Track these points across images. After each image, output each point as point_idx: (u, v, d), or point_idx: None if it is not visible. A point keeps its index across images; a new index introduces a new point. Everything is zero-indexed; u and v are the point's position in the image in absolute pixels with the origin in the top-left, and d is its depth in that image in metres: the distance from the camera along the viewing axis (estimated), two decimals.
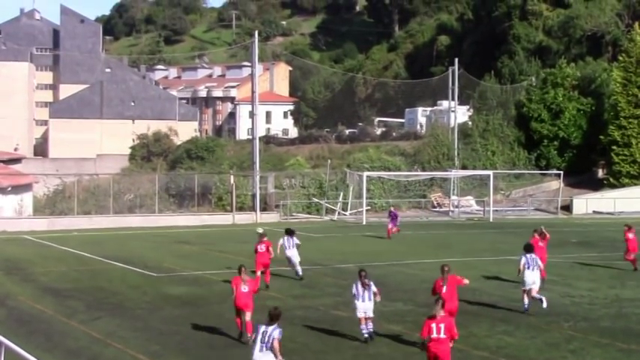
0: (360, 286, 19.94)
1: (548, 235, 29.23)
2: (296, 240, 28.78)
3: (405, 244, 40.63)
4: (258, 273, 26.71)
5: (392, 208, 46.34)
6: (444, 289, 19.40)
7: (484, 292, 26.58)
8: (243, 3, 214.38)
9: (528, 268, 22.86)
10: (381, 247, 39.87)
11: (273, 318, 15.14)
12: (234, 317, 20.30)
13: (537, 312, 23.17)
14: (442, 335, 15.64)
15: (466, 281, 20.36)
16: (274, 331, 14.92)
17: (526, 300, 22.86)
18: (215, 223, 51.36)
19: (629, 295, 26.38)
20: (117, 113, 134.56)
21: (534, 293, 22.86)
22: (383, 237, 43.35)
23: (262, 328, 15.09)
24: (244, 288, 20.26)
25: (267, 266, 27.17)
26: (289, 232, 28.87)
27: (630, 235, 31.31)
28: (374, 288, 20.06)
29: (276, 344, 14.81)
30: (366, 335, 20.06)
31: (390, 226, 43.28)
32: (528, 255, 23.13)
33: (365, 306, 19.91)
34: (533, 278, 22.89)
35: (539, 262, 23.46)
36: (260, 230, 28.88)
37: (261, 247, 27.00)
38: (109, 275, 30.31)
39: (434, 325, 15.69)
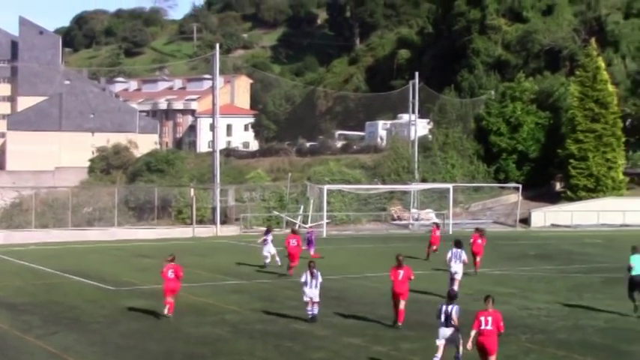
0: (309, 275, 23.71)
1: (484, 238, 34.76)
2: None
3: (365, 257, 40.70)
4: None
5: (308, 230, 42.14)
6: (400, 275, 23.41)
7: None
8: (204, 15, 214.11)
9: (454, 261, 28.42)
10: (341, 261, 39.89)
11: (452, 298, 18.66)
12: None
13: None
14: (490, 327, 17.38)
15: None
16: (453, 309, 18.29)
17: (455, 286, 26.45)
18: (175, 237, 51.06)
19: (585, 307, 26.66)
20: (76, 125, 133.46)
21: (456, 284, 27.57)
22: (343, 250, 43.41)
23: (444, 307, 18.41)
24: (170, 274, 24.08)
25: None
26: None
27: (479, 241, 34.33)
28: (320, 278, 23.80)
29: (455, 319, 18.24)
30: (310, 316, 23.78)
31: (310, 251, 38.44)
32: (455, 249, 28.62)
33: (312, 292, 23.67)
34: (456, 269, 28.44)
35: (464, 256, 28.69)
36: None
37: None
38: (65, 289, 29.99)
39: (483, 318, 17.41)
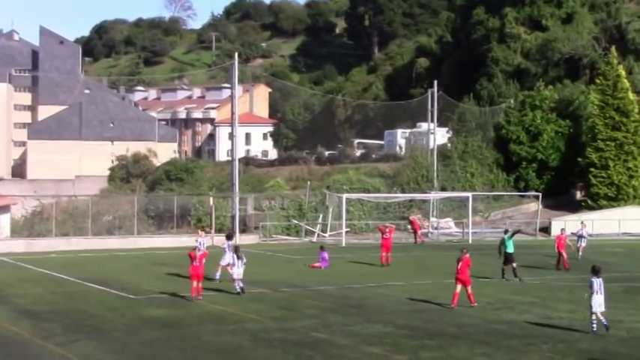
0: (235, 258, 29.59)
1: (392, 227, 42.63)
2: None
3: (383, 266, 40.57)
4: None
5: (321, 249, 41.10)
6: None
7: (463, 313, 26.60)
8: (223, 25, 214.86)
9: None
10: (361, 269, 39.83)
11: (598, 271, 23.03)
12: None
13: (516, 334, 23.25)
14: None
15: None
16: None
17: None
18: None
19: (607, 317, 26.45)
20: (96, 134, 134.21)
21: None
22: (362, 259, 43.40)
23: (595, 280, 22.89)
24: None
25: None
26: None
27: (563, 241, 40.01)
28: (245, 259, 29.70)
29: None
30: (238, 290, 29.70)
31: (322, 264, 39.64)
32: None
33: (239, 271, 29.53)
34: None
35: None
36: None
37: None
38: (86, 297, 30.08)
39: None
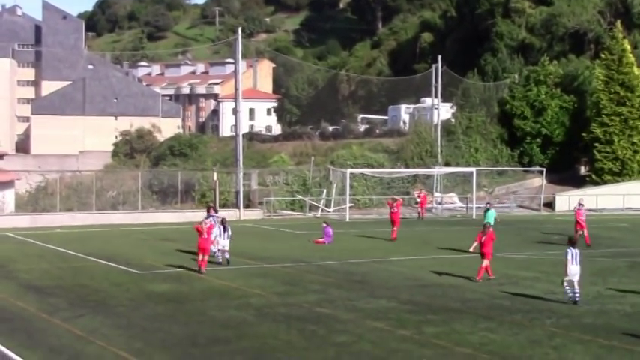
0: (222, 229, 31.00)
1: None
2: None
3: (388, 241, 40.67)
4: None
5: (325, 224, 41.23)
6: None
7: (467, 288, 26.67)
8: (227, 0, 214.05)
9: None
10: (365, 245, 39.91)
11: (574, 242, 24.01)
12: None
13: (520, 309, 23.31)
14: None
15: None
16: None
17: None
18: (198, 220, 51.02)
19: (610, 291, 26.53)
20: (99, 110, 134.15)
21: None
22: (366, 234, 43.47)
23: (571, 250, 23.43)
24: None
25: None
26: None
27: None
28: (230, 231, 31.22)
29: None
30: (220, 259, 31.26)
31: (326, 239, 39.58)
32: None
33: (224, 242, 31.13)
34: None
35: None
36: None
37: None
38: (91, 272, 30.19)
39: None
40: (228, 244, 31.18)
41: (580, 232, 38.73)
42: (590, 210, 58.23)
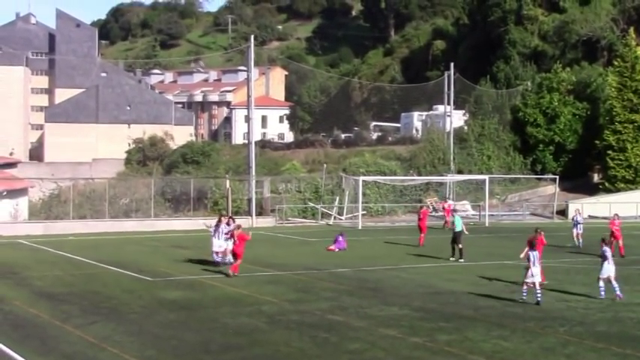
0: (219, 232, 32.06)
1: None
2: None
3: (400, 248, 40.63)
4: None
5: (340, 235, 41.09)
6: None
7: (480, 296, 26.59)
8: (239, 7, 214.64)
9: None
10: (377, 252, 39.87)
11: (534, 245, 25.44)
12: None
13: (533, 317, 23.23)
14: None
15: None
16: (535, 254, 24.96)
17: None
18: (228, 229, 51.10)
19: (624, 299, 26.40)
20: (112, 117, 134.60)
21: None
22: (379, 241, 43.40)
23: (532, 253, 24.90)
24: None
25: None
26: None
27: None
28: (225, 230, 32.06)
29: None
30: (217, 260, 32.26)
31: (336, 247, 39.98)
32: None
33: (219, 242, 32.31)
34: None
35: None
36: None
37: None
38: (104, 279, 30.25)
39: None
40: (223, 245, 32.32)
41: (615, 243, 37.86)
42: (603, 218, 58.14)
